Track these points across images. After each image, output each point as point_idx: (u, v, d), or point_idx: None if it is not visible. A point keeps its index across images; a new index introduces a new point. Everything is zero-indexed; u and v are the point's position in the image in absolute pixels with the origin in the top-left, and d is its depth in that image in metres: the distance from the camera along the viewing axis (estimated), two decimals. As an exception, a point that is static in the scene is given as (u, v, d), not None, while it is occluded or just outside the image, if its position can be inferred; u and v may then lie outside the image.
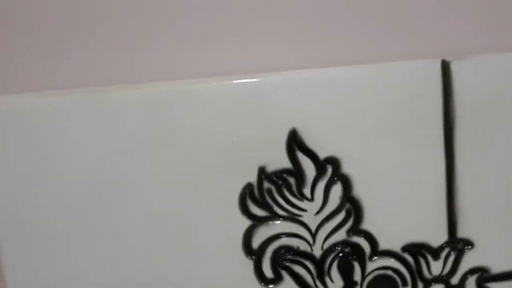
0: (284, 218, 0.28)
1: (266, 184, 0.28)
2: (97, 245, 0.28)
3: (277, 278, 0.29)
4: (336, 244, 0.29)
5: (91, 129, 0.27)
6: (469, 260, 0.30)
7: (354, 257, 0.29)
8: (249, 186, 0.28)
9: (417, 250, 0.29)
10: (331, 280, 0.29)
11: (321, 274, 0.29)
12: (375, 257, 0.29)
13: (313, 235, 0.29)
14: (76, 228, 0.28)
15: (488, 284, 0.30)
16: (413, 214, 0.29)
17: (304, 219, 0.28)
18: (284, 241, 0.29)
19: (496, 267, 0.30)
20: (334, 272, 0.29)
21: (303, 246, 0.29)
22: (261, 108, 0.28)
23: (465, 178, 0.30)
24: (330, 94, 0.28)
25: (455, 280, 0.30)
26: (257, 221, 0.28)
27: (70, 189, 0.27)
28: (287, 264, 0.29)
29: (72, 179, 0.27)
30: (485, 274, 0.30)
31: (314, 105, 0.28)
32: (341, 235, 0.29)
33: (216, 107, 0.28)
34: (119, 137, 0.27)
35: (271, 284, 0.29)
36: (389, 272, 0.29)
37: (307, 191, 0.28)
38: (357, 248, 0.29)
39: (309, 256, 0.29)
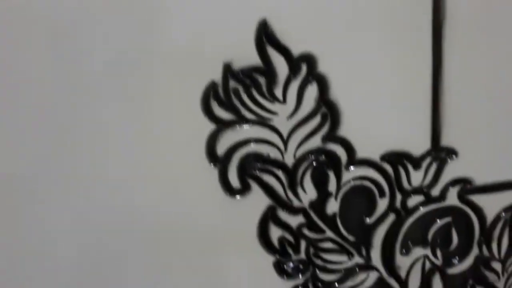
0: (253, 122, 0.25)
1: (233, 83, 0.25)
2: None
3: (245, 188, 0.26)
4: (310, 152, 0.26)
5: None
6: (452, 171, 0.28)
7: (329, 166, 0.27)
8: (213, 86, 0.25)
9: (397, 159, 0.27)
10: (304, 191, 0.27)
11: (293, 184, 0.27)
12: (352, 167, 0.27)
13: (285, 142, 0.26)
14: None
15: (471, 196, 0.29)
16: (394, 120, 0.27)
17: (275, 123, 0.26)
18: (253, 148, 0.26)
19: (480, 179, 0.29)
20: (307, 182, 0.27)
21: (273, 153, 0.26)
22: (226, -6, 0.24)
23: (453, 82, 0.27)
24: (306, -21, 0.24)
25: (435, 191, 0.28)
26: (222, 125, 0.25)
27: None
28: (255, 173, 0.26)
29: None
30: (468, 186, 0.28)
31: (287, -8, 0.24)
32: (315, 142, 0.26)
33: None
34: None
35: (238, 194, 0.26)
36: (366, 183, 0.27)
37: (278, 92, 0.25)
38: (333, 156, 0.27)
39: (280, 165, 0.26)
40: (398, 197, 0.28)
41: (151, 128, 0.25)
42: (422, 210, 0.28)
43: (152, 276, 0.27)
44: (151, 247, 0.27)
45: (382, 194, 0.28)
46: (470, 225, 0.29)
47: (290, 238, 0.27)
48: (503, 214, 0.29)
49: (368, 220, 0.28)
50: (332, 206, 0.27)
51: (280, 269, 0.28)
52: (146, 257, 0.27)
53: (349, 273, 0.28)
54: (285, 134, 0.26)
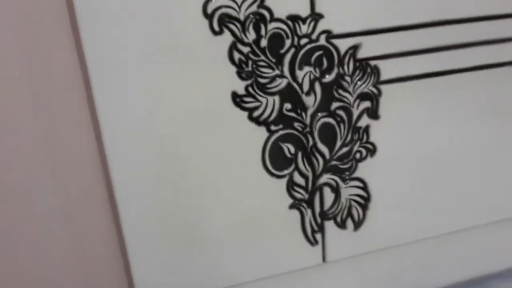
0: (224, -3, 0.52)
1: (214, -23, 0.51)
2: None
3: (221, 31, 0.53)
4: (251, 13, 0.54)
5: None
6: (322, 25, 0.56)
7: (261, 21, 0.54)
8: (204, -22, 0.51)
9: (294, 18, 0.55)
10: (250, 34, 0.54)
11: (244, 30, 0.54)
12: (273, 22, 0.55)
13: (239, 6, 0.53)
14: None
15: (332, 40, 0.57)
16: (292, -1, 0.55)
17: (234, -2, 0.53)
18: (223, 10, 0.53)
19: (337, 31, 0.57)
20: (251, 30, 0.54)
21: (235, 13, 0.53)
22: None
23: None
24: None
25: (314, 36, 0.57)
26: (209, -2, 0.52)
27: None
28: (226, 23, 0.53)
29: None
30: (330, 34, 0.57)
31: None
32: (254, 8, 0.54)
33: None
34: None
35: (218, 35, 0.53)
36: (280, 31, 0.55)
37: (236, -18, 0.52)
38: (262, 15, 0.54)
39: (238, 20, 0.53)
40: (296, 38, 0.56)
41: None
42: (308, 46, 0.57)
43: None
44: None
45: (287, 37, 0.56)
46: (332, 55, 0.58)
47: (243, 58, 0.55)
48: (350, 50, 0.58)
49: (281, 51, 0.56)
50: (264, 43, 0.55)
51: (240, 75, 0.55)
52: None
53: (272, 79, 0.57)
54: (239, 2, 0.53)
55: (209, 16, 0.53)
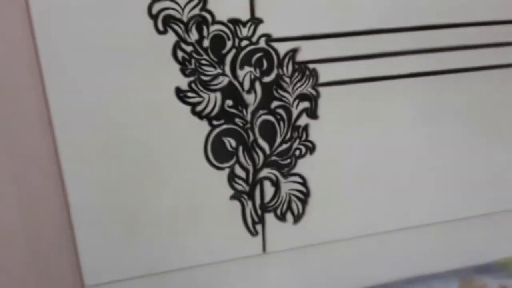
0: (168, -1, 0.57)
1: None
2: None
3: (165, 31, 0.58)
4: (194, 16, 0.58)
5: None
6: (261, 29, 0.61)
7: (204, 23, 0.59)
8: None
9: (235, 22, 0.60)
10: (192, 34, 0.59)
11: (187, 30, 0.59)
12: (215, 24, 0.59)
13: (182, 8, 0.58)
14: None
15: (272, 43, 0.62)
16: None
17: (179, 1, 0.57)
18: (170, 12, 0.57)
19: (276, 35, 0.62)
20: (194, 31, 0.59)
21: (179, 15, 0.58)
22: None
23: (263, -11, 0.60)
24: None
25: (254, 39, 0.61)
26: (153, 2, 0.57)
27: None
28: (171, 24, 0.58)
29: None
30: (270, 37, 0.61)
31: None
32: (197, 11, 0.58)
33: None
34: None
35: (162, 34, 0.58)
36: (221, 33, 0.60)
37: (179, -14, 0.57)
38: (204, 18, 0.59)
39: (181, 21, 0.58)
40: (237, 40, 0.61)
41: None
42: (248, 48, 0.61)
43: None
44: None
45: (229, 39, 0.60)
46: (271, 57, 0.62)
47: (186, 57, 0.60)
48: (289, 53, 0.63)
49: (223, 51, 0.60)
50: (206, 43, 0.60)
51: (183, 72, 0.60)
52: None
53: (214, 77, 0.61)
54: (182, 5, 0.57)
55: (154, 17, 0.57)
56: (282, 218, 0.69)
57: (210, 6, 0.58)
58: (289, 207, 0.69)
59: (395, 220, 0.74)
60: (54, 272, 0.68)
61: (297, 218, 0.70)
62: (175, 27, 0.58)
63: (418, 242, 0.77)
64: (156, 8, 0.57)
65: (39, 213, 0.65)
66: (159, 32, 0.58)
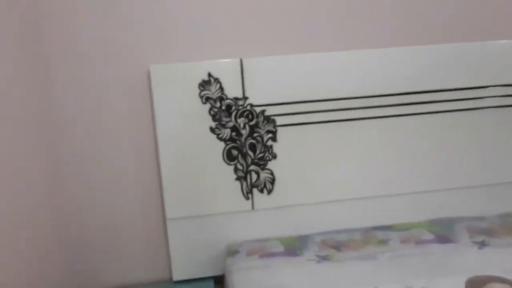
0: (207, 90, 1.36)
1: None
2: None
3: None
4: (218, 96, 1.36)
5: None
6: (248, 101, 1.38)
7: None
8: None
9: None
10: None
11: (215, 102, 1.37)
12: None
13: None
14: None
15: (253, 107, 1.38)
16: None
17: (211, 90, 1.36)
18: (207, 95, 1.36)
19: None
20: (218, 102, 1.37)
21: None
22: None
23: None
24: None
25: (245, 105, 1.38)
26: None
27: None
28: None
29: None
30: (252, 104, 1.38)
31: None
32: (219, 94, 1.36)
33: None
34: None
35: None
36: (230, 103, 1.37)
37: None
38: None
39: (212, 98, 1.36)
40: (237, 106, 1.37)
41: None
42: (242, 109, 1.37)
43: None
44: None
45: (233, 105, 1.37)
46: (253, 113, 1.38)
47: (214, 113, 1.37)
48: (261, 111, 1.38)
49: (231, 111, 1.37)
50: (223, 107, 1.37)
51: (213, 120, 1.37)
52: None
53: (226, 122, 1.38)
54: (213, 91, 1.36)
55: (201, 97, 1.36)
56: (261, 191, 1.41)
57: (225, 91, 1.36)
58: (265, 186, 1.41)
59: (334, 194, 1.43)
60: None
61: (269, 192, 1.41)
62: (210, 100, 1.36)
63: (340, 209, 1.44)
64: (202, 94, 1.36)
65: None
66: (203, 103, 1.36)
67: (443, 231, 1.40)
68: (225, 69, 1.35)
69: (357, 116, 1.41)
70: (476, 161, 1.49)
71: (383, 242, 1.36)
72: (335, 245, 1.35)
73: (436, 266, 1.20)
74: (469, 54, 1.43)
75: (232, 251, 1.36)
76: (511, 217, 1.47)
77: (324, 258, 1.28)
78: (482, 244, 1.30)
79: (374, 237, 1.40)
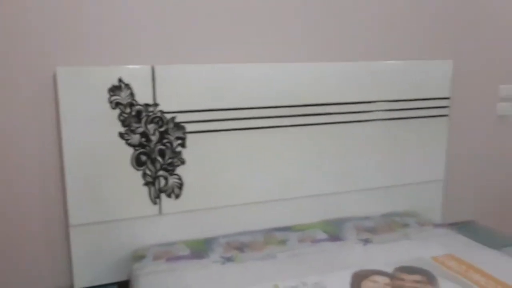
0: (117, 95, 1.36)
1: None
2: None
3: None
4: (128, 102, 1.37)
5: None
6: (158, 108, 1.41)
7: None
8: (109, 88, 1.36)
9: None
10: (127, 109, 1.38)
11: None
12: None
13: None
14: None
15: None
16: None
17: (121, 95, 1.37)
18: (116, 100, 1.36)
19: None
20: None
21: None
22: None
23: None
24: None
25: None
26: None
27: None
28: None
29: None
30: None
31: None
32: (129, 100, 1.37)
33: None
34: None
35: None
36: (140, 109, 1.39)
37: (122, 90, 1.37)
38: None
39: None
40: (147, 112, 1.39)
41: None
42: (152, 115, 1.40)
43: None
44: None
45: (143, 111, 1.39)
46: (163, 119, 1.41)
47: (124, 119, 1.37)
48: (171, 118, 1.42)
49: (141, 117, 1.39)
50: (133, 113, 1.38)
51: (123, 125, 1.37)
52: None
53: (136, 128, 1.39)
54: (123, 97, 1.36)
55: (110, 102, 1.35)
56: (169, 196, 1.45)
57: (135, 97, 1.37)
58: (173, 191, 1.45)
59: (239, 198, 1.51)
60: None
61: (177, 196, 1.45)
62: (120, 106, 1.36)
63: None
64: (112, 99, 1.35)
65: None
66: (112, 108, 1.36)
67: (334, 230, 1.56)
68: (136, 75, 1.36)
69: (263, 125, 1.51)
70: (365, 167, 1.68)
71: (283, 242, 1.48)
72: (239, 246, 1.44)
73: (328, 262, 1.34)
74: (361, 72, 1.61)
75: (138, 256, 1.38)
76: (392, 217, 1.69)
77: (228, 259, 1.35)
78: (366, 241, 1.47)
79: (275, 237, 1.51)
